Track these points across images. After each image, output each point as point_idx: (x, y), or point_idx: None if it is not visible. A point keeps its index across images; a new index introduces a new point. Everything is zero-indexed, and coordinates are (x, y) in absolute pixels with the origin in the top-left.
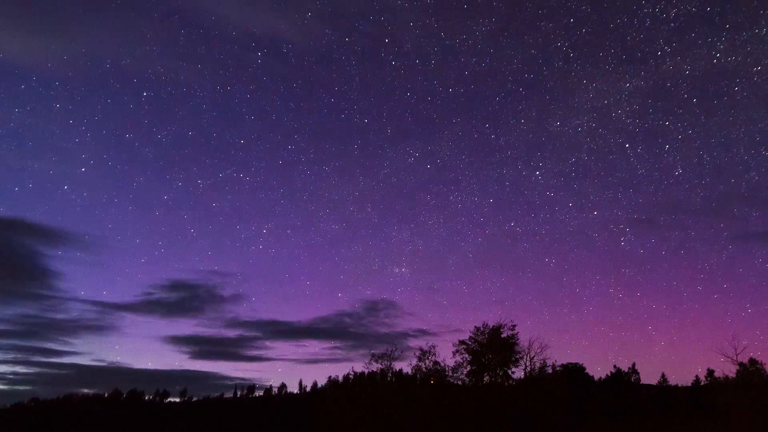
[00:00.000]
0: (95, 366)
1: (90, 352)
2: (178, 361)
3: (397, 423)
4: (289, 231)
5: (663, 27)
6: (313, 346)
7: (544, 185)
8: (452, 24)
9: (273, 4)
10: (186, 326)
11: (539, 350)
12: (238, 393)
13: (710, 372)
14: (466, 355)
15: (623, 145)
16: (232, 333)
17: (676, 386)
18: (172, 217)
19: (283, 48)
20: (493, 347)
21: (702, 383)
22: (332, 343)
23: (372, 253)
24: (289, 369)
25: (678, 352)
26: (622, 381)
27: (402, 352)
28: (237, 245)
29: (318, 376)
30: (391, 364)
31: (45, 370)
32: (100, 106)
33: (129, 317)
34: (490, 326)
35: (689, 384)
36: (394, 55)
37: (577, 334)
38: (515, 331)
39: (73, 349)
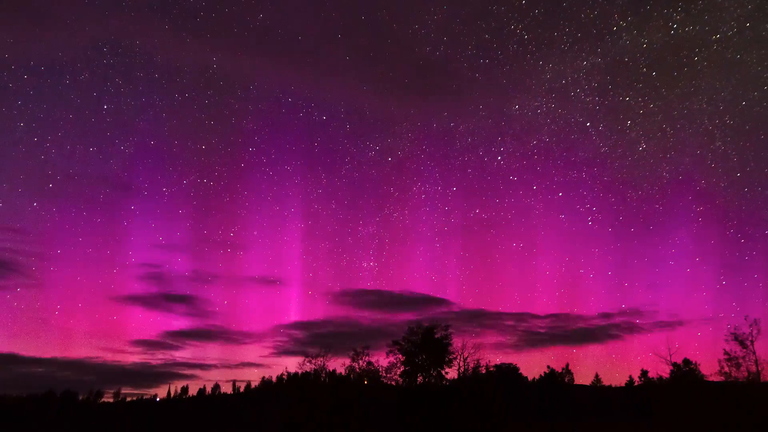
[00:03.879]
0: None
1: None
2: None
3: (330, 423)
4: (255, 232)
5: (617, 1)
6: (287, 346)
7: (506, 169)
8: (404, 14)
9: (224, 8)
10: (153, 330)
11: (473, 351)
12: (172, 393)
13: (644, 372)
14: (400, 356)
15: (584, 124)
16: (201, 335)
17: (609, 386)
18: (140, 227)
19: (237, 51)
20: (426, 348)
21: (636, 383)
22: (306, 341)
23: (339, 248)
24: (259, 369)
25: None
26: (556, 381)
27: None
28: (206, 250)
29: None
30: (324, 365)
31: None
32: (63, 122)
33: (102, 323)
34: (424, 326)
35: (623, 384)
36: (348, 50)
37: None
38: (448, 332)
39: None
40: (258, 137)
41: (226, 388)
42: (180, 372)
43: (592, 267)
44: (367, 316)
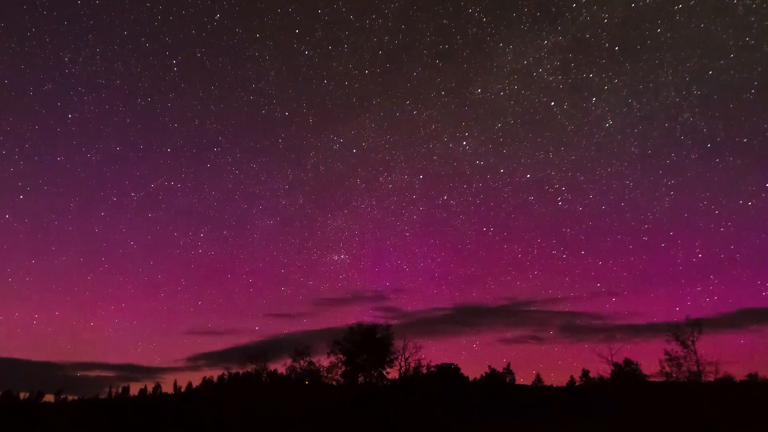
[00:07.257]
0: None
1: None
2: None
3: (271, 422)
4: (225, 232)
5: None
6: (256, 344)
7: (472, 155)
8: (361, 5)
9: (180, 10)
10: (123, 329)
11: (414, 351)
12: (113, 393)
13: (585, 372)
14: (341, 356)
15: (548, 104)
16: (179, 337)
17: (551, 386)
18: (111, 233)
19: (196, 53)
20: (367, 348)
21: (577, 383)
22: (280, 339)
23: (309, 243)
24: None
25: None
26: (497, 381)
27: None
28: (177, 252)
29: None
30: (265, 365)
31: None
32: (30, 133)
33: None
34: (365, 326)
35: (564, 384)
36: (306, 44)
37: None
38: (389, 332)
39: None
40: (222, 137)
41: (168, 388)
42: (132, 371)
43: (566, 248)
44: (339, 309)
